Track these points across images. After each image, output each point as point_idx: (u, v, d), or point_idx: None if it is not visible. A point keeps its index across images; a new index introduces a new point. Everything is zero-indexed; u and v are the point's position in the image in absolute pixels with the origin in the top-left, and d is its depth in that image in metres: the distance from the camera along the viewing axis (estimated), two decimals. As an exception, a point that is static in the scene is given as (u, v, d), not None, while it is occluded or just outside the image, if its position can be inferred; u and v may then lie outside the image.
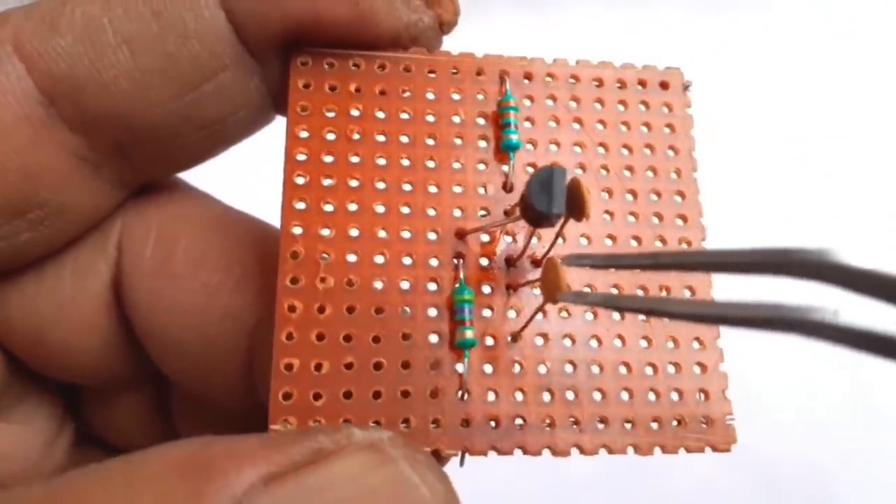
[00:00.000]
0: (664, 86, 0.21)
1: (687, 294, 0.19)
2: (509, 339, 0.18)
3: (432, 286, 0.18)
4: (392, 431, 0.16)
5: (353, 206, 0.18)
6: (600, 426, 0.18)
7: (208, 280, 0.21)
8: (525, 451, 0.18)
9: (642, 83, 0.21)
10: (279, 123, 0.20)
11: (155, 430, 0.26)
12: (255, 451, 0.15)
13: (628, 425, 0.18)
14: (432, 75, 0.20)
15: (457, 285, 0.18)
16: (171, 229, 0.21)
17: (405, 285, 0.18)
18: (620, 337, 0.19)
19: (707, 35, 0.49)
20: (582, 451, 0.18)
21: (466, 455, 0.17)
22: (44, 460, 0.23)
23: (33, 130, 0.17)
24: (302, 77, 0.19)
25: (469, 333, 0.18)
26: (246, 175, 0.27)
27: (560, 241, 0.19)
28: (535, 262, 0.19)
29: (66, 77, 0.17)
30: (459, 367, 0.18)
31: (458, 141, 0.20)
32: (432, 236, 0.19)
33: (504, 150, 0.20)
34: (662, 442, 0.18)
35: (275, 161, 0.19)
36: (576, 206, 0.16)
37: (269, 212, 0.21)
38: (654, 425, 0.18)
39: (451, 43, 0.20)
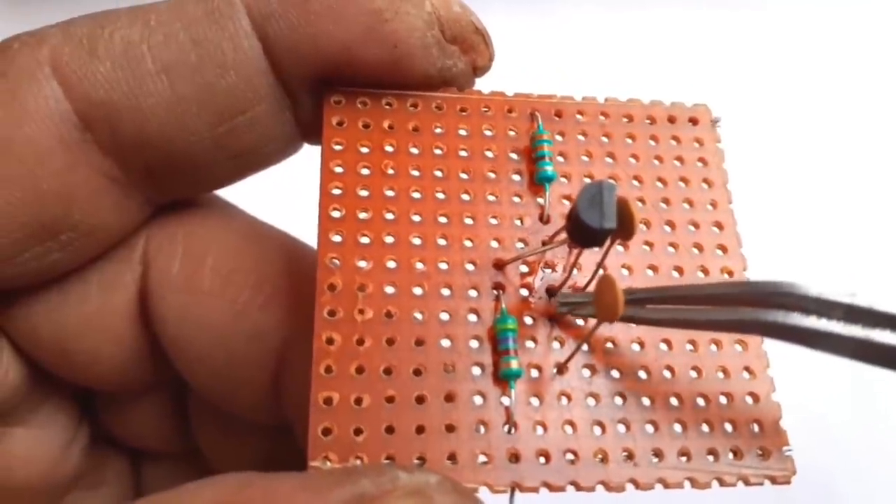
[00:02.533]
0: (693, 121, 0.21)
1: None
2: (554, 370, 0.18)
3: (472, 317, 0.18)
4: (440, 474, 0.15)
5: (389, 239, 0.18)
6: (654, 460, 0.17)
7: (236, 298, 0.20)
8: (578, 487, 0.17)
9: (671, 119, 0.21)
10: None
11: (171, 431, 0.25)
12: (295, 495, 0.14)
13: (683, 458, 0.17)
14: (464, 113, 0.20)
15: (498, 315, 0.18)
16: (199, 244, 0.21)
17: (444, 317, 0.18)
18: (669, 368, 0.18)
19: (707, 35, 0.49)
20: (637, 486, 0.17)
21: (516, 492, 0.16)
22: (61, 463, 0.23)
23: (68, 154, 0.17)
24: (336, 115, 0.19)
25: (514, 363, 0.17)
26: (274, 186, 0.27)
27: (600, 271, 0.18)
28: (578, 292, 0.19)
29: (104, 102, 0.17)
30: (505, 401, 0.17)
31: (491, 175, 0.20)
32: (470, 267, 0.18)
33: (539, 182, 0.19)
34: (720, 475, 0.17)
35: (304, 172, 0.19)
36: (624, 225, 0.16)
37: (297, 221, 0.21)
38: (710, 458, 0.17)
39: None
